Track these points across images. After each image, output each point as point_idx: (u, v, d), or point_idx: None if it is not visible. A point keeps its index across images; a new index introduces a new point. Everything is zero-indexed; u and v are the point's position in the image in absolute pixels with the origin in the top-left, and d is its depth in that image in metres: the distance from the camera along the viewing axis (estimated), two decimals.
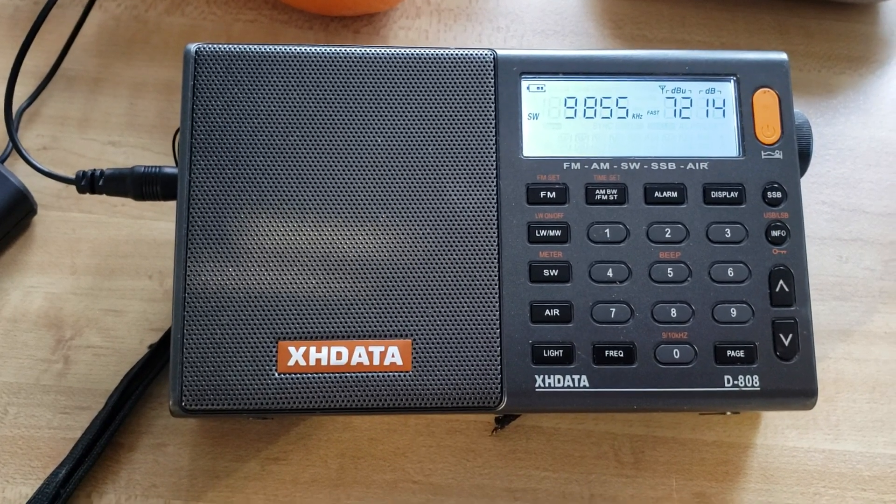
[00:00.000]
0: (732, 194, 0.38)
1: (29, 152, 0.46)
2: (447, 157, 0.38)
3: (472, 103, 0.39)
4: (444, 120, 0.38)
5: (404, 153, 0.38)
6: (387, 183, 0.37)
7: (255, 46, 0.38)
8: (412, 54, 0.39)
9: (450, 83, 0.39)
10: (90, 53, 0.50)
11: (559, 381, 0.36)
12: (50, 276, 0.44)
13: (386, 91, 0.38)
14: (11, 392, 0.41)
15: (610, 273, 0.37)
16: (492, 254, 0.37)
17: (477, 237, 0.37)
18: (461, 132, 0.38)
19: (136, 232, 0.45)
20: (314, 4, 0.49)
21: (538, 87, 0.39)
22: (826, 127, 0.50)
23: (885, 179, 0.48)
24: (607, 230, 0.38)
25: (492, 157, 0.38)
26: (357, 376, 0.36)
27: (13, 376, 0.42)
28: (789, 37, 0.52)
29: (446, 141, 0.38)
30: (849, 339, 0.44)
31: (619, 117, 0.39)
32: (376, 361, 0.36)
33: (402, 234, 0.37)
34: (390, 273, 0.37)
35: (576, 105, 0.39)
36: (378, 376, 0.36)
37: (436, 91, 0.38)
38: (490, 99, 0.39)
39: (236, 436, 0.40)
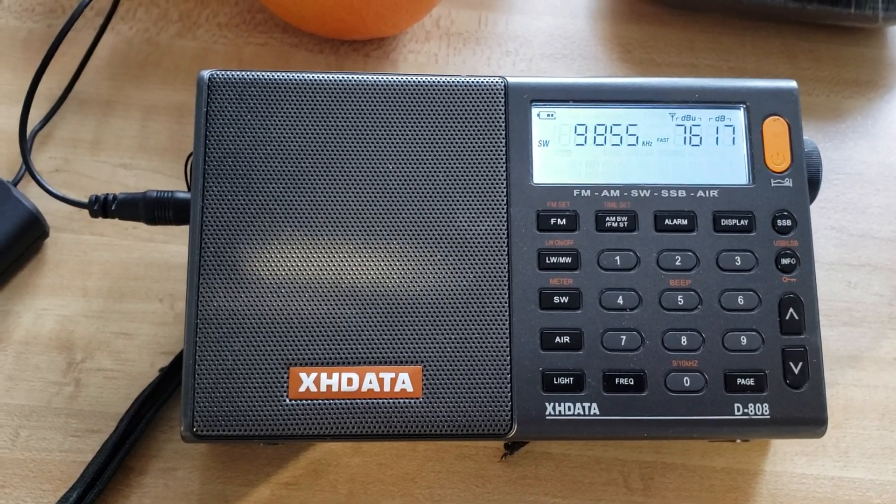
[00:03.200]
0: (742, 222, 0.38)
1: (41, 175, 0.46)
2: (458, 184, 0.38)
3: (483, 130, 0.39)
4: (454, 147, 0.38)
5: (415, 180, 0.38)
6: (397, 209, 0.38)
7: (268, 73, 0.39)
8: (423, 82, 0.39)
9: (461, 110, 0.39)
10: (102, 76, 0.50)
11: (570, 409, 0.36)
12: (61, 298, 0.44)
13: (397, 118, 0.39)
14: (23, 415, 0.41)
15: (620, 300, 0.37)
16: (502, 281, 0.37)
17: (487, 264, 0.37)
18: (472, 159, 0.38)
19: (147, 255, 0.45)
20: (325, 28, 0.49)
21: (548, 115, 0.39)
22: (834, 152, 0.50)
23: (894, 204, 0.48)
24: (617, 257, 0.38)
25: (502, 183, 0.38)
26: (368, 403, 0.36)
27: (24, 399, 0.42)
28: (797, 61, 0.53)
29: (457, 168, 0.38)
30: (858, 365, 0.44)
31: (629, 145, 0.39)
32: (387, 388, 0.36)
33: (413, 260, 0.37)
34: (401, 300, 0.37)
35: (586, 132, 0.39)
36: (389, 403, 0.36)
37: (447, 118, 0.39)
38: (500, 126, 0.39)
39: (247, 460, 0.41)
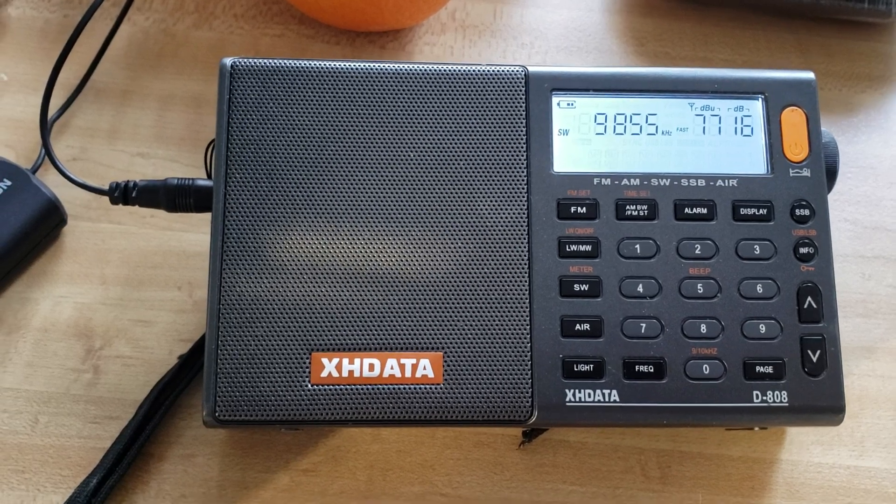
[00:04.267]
0: (761, 211, 0.39)
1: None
2: (479, 172, 0.38)
3: (504, 119, 0.39)
4: (475, 135, 0.39)
5: (436, 168, 0.38)
6: (419, 197, 0.38)
7: (290, 61, 0.39)
8: (444, 70, 0.39)
9: (482, 99, 0.39)
10: (119, 66, 0.50)
11: (589, 396, 0.37)
12: (79, 286, 0.44)
13: (419, 107, 0.39)
14: (42, 401, 0.41)
15: (640, 288, 0.38)
16: (522, 268, 0.38)
17: (508, 251, 0.38)
18: (492, 147, 0.39)
19: (166, 243, 0.45)
20: (341, 20, 0.49)
21: (569, 104, 0.40)
22: (847, 145, 0.50)
23: None
24: (637, 246, 0.38)
25: (523, 172, 0.39)
26: (389, 388, 0.36)
27: (43, 385, 0.42)
28: (810, 55, 0.53)
29: (478, 156, 0.38)
30: (872, 356, 0.44)
31: (648, 134, 0.40)
32: (408, 374, 0.36)
33: (434, 247, 0.37)
34: (422, 286, 0.37)
35: (606, 121, 0.40)
36: (409, 389, 0.36)
37: (468, 106, 0.39)
38: (521, 115, 0.39)
39: (266, 447, 0.41)
